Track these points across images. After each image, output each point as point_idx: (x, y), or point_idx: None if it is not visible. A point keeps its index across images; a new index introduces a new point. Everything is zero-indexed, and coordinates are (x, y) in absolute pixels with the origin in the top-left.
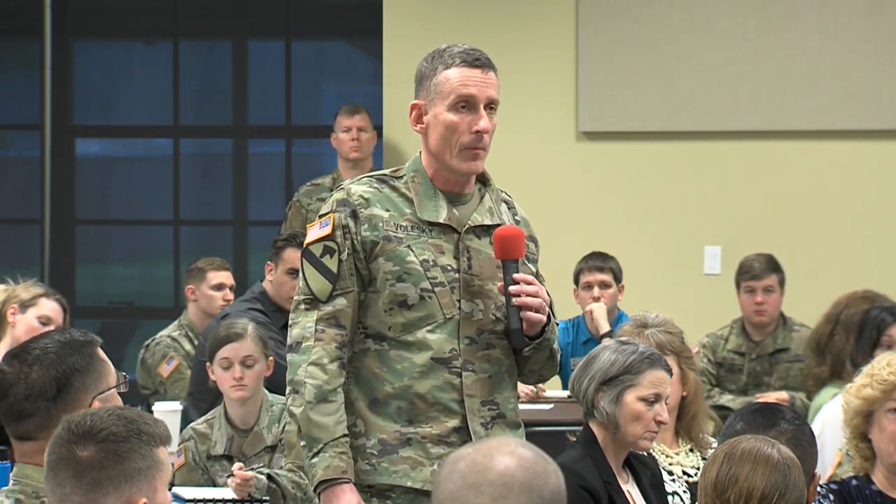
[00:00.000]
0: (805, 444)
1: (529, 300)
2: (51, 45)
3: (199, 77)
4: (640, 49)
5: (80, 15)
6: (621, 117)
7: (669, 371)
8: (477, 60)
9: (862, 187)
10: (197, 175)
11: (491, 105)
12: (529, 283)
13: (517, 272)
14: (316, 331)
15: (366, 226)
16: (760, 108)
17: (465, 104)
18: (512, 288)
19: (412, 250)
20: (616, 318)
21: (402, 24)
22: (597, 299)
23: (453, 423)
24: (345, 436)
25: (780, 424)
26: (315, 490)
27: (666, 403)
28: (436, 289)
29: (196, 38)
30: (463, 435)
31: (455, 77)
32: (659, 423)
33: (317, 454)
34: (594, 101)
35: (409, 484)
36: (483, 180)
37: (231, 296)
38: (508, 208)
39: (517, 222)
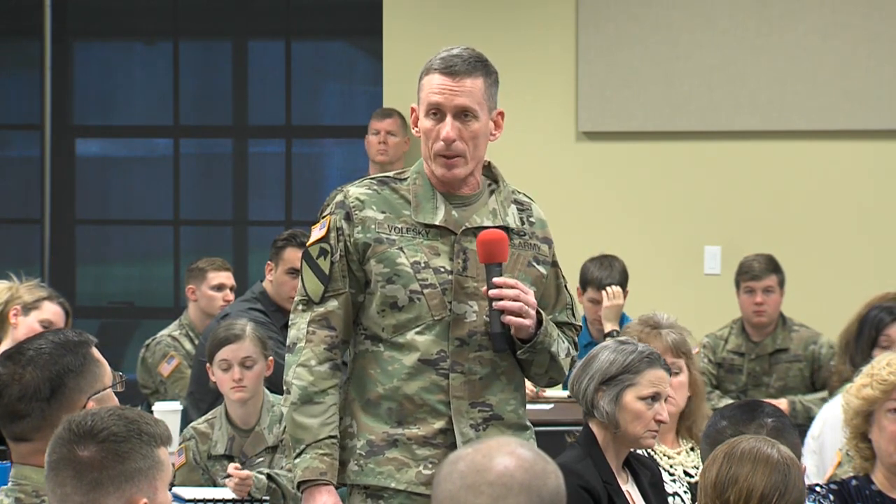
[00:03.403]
0: (786, 436)
1: (509, 304)
2: (51, 45)
3: (199, 77)
4: (640, 49)
5: (80, 15)
6: (621, 117)
7: (668, 370)
8: (450, 68)
9: (862, 187)
10: (197, 175)
11: (465, 113)
12: (511, 287)
13: (500, 276)
14: (307, 332)
15: (359, 228)
16: (760, 108)
17: (436, 112)
18: (492, 292)
19: (404, 252)
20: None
21: (402, 24)
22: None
23: (439, 424)
24: (331, 437)
25: (760, 418)
26: (298, 490)
27: (667, 402)
28: (425, 290)
29: (196, 38)
30: (449, 437)
31: (429, 84)
32: (659, 422)
33: (299, 455)
34: (594, 101)
35: (392, 485)
36: (495, 180)
37: (231, 296)
38: (521, 210)
39: (531, 224)
